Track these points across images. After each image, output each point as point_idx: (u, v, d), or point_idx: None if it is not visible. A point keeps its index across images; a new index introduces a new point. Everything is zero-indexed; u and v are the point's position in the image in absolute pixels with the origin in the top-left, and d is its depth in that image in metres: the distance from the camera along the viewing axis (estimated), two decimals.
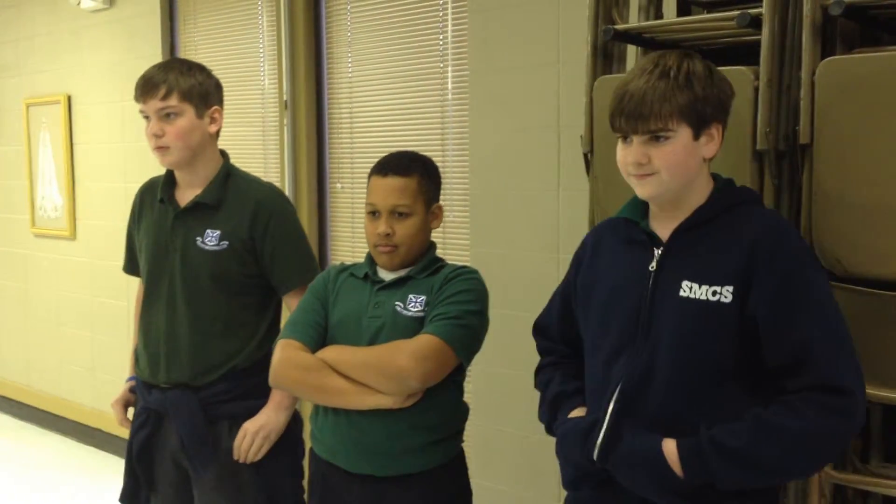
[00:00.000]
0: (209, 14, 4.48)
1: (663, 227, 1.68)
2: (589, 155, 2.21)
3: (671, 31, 2.16)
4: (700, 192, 1.66)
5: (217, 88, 2.46)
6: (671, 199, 1.65)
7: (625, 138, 1.64)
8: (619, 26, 2.18)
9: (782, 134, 1.85)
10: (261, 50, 4.23)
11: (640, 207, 1.74)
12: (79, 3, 4.88)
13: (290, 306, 2.40)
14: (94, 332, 5.15)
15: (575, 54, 2.90)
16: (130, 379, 2.62)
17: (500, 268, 3.16)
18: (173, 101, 2.34)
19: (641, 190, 1.65)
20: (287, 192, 4.01)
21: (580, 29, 2.29)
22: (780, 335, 1.53)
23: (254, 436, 2.36)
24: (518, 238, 3.20)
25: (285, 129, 4.02)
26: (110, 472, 4.75)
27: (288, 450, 2.43)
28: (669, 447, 1.55)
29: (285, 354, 2.07)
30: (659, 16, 2.32)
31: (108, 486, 4.54)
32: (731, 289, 1.56)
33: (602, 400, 1.67)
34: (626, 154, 1.64)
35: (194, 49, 4.56)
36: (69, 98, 5.14)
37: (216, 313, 2.38)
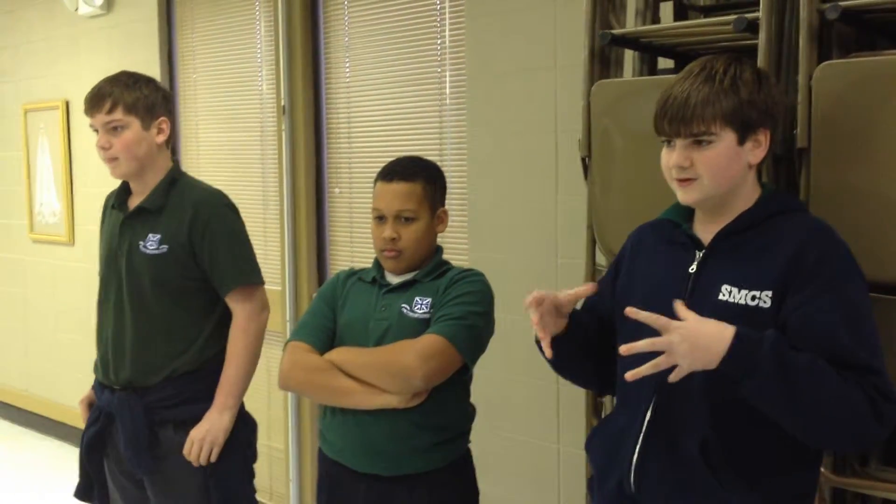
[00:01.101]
0: (207, 19, 4.48)
1: (706, 231, 1.67)
2: (587, 159, 2.21)
3: (668, 36, 2.17)
4: (746, 198, 1.65)
5: (164, 100, 2.52)
6: (715, 205, 1.64)
7: (668, 143, 1.63)
8: (617, 31, 2.19)
9: (780, 138, 1.85)
10: (258, 55, 4.23)
11: (685, 210, 1.72)
12: (76, 9, 4.88)
13: (233, 308, 2.45)
14: (92, 337, 5.11)
15: (572, 58, 2.90)
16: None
17: (498, 272, 3.15)
18: (118, 115, 2.42)
19: (683, 195, 1.64)
20: (285, 197, 4.01)
21: (577, 33, 2.30)
22: (817, 341, 1.51)
23: (201, 442, 2.40)
24: (516, 242, 3.20)
25: (283, 134, 4.02)
26: None
27: (236, 450, 2.47)
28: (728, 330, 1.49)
29: (293, 356, 2.11)
30: (656, 20, 2.32)
31: None
32: (769, 294, 1.55)
33: (636, 406, 1.65)
34: (668, 158, 1.63)
35: (192, 55, 4.56)
36: (67, 103, 5.14)
37: (158, 316, 2.43)
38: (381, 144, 3.76)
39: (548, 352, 1.67)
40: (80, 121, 5.06)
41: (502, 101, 3.21)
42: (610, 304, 1.80)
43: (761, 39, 1.86)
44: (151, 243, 2.42)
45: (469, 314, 2.05)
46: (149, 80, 2.52)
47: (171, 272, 2.42)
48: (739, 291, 1.57)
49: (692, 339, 1.47)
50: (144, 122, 2.44)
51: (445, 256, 2.22)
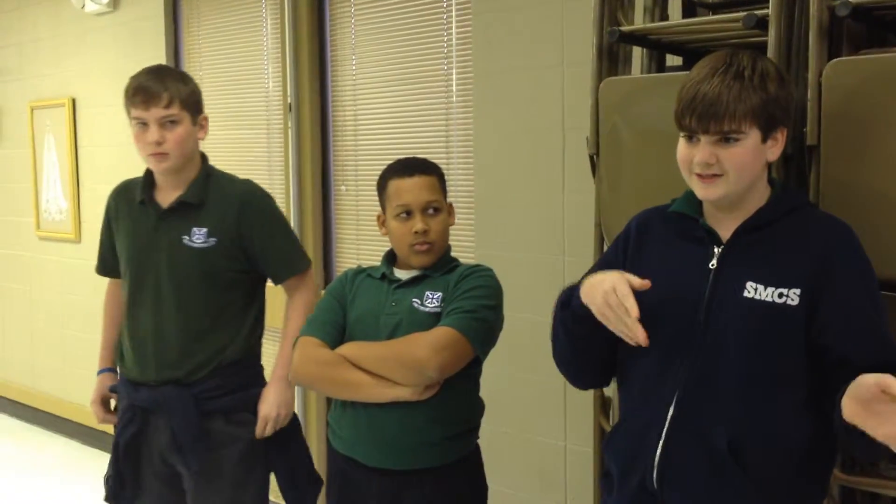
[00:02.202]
0: (213, 17, 4.48)
1: (721, 226, 1.66)
2: (595, 157, 2.21)
3: (677, 33, 2.16)
4: (759, 194, 1.65)
5: (200, 97, 2.54)
6: (732, 201, 1.63)
7: (689, 137, 1.61)
8: (625, 28, 2.18)
9: (789, 136, 1.84)
10: (265, 53, 4.22)
11: (696, 202, 1.70)
12: (83, 7, 4.88)
13: (289, 292, 2.54)
14: (98, 334, 5.12)
15: (579, 56, 2.90)
16: (103, 371, 2.66)
17: (504, 270, 3.14)
18: (175, 110, 2.40)
19: (705, 192, 1.61)
20: (291, 195, 4.02)
21: (584, 30, 2.29)
22: (858, 338, 1.51)
23: (269, 417, 2.43)
24: (523, 240, 3.19)
25: (290, 131, 4.02)
26: None
27: (289, 437, 2.51)
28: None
29: (304, 351, 2.11)
30: (664, 17, 2.31)
31: None
32: (798, 291, 1.54)
33: (658, 403, 1.64)
34: (690, 153, 1.60)
35: (198, 52, 4.56)
36: (73, 101, 5.15)
37: (205, 310, 2.43)
38: (388, 142, 3.76)
39: (642, 336, 1.55)
40: (87, 118, 5.07)
41: (509, 99, 3.20)
42: None
43: (771, 36, 1.85)
44: (198, 237, 2.41)
45: (480, 307, 2.05)
46: (190, 76, 2.54)
47: (221, 264, 2.43)
48: (766, 289, 1.56)
49: None
50: (193, 118, 2.45)
51: (452, 254, 2.23)
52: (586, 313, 1.62)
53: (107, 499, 2.57)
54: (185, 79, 2.48)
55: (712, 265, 1.63)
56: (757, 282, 1.57)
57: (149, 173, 2.52)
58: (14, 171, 5.70)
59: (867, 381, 1.36)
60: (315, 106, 4.02)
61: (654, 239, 1.74)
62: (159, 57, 4.57)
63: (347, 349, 2.09)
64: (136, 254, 2.49)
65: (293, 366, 2.14)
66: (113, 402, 2.65)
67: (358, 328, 2.13)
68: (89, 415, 4.60)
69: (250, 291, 2.51)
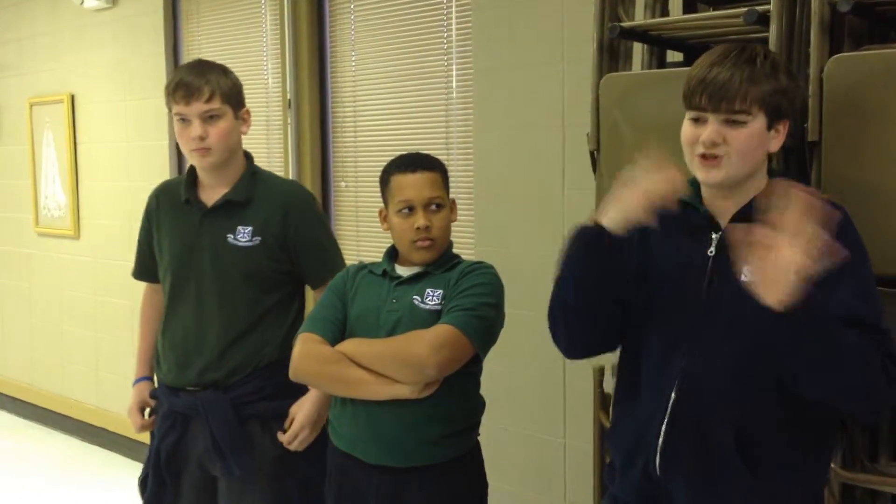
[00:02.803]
0: (212, 12, 4.47)
1: (720, 213, 1.66)
2: (595, 153, 2.20)
3: (678, 29, 2.16)
4: (758, 183, 1.65)
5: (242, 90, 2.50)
6: (731, 188, 1.64)
7: (695, 119, 1.62)
8: (626, 23, 2.18)
9: (790, 131, 1.84)
10: (264, 48, 4.22)
11: (695, 189, 1.71)
12: (81, 3, 4.87)
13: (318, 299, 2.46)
14: (97, 331, 5.15)
15: (579, 52, 2.89)
16: (141, 380, 2.61)
17: (504, 266, 3.13)
18: (216, 104, 2.36)
19: (706, 174, 1.62)
20: None
21: (585, 26, 2.29)
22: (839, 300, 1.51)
23: (308, 431, 2.35)
24: (522, 237, 3.19)
25: (289, 127, 4.02)
26: (115, 471, 4.76)
27: (319, 447, 2.41)
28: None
29: (305, 348, 2.11)
30: (665, 13, 2.31)
31: (112, 486, 4.54)
32: None
33: (661, 390, 1.64)
34: (696, 133, 1.61)
35: (197, 48, 4.55)
36: (72, 97, 5.14)
37: (246, 309, 2.40)
38: (388, 138, 3.75)
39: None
40: (86, 114, 5.06)
41: (509, 95, 3.20)
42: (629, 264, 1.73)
43: (772, 32, 1.85)
44: (243, 235, 2.38)
45: (480, 305, 2.04)
46: (230, 70, 2.47)
47: (264, 264, 2.39)
48: None
49: None
50: (236, 112, 2.41)
51: (453, 250, 2.22)
52: (598, 234, 1.61)
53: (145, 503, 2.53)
54: (227, 72, 2.43)
55: (710, 252, 1.64)
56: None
57: (192, 171, 2.48)
58: (13, 167, 5.69)
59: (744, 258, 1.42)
60: (315, 102, 4.02)
61: (657, 226, 1.74)
62: (158, 53, 4.57)
63: (347, 346, 2.08)
64: (179, 253, 2.45)
65: (293, 362, 2.13)
66: (147, 410, 2.60)
67: (358, 325, 2.12)
68: (89, 411, 4.58)
69: (291, 292, 2.47)
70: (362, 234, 3.90)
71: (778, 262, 1.38)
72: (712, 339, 1.61)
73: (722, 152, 1.59)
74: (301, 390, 2.38)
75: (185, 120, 2.36)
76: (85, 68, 5.05)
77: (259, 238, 2.39)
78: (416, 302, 2.08)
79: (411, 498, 2.07)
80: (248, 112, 2.47)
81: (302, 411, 2.36)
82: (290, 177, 4.00)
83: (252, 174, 2.46)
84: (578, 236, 1.68)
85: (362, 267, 2.23)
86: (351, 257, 3.88)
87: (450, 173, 2.24)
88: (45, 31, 5.33)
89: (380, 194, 2.21)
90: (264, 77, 4.22)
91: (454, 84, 3.49)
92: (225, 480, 2.41)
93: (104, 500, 4.38)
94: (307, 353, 2.10)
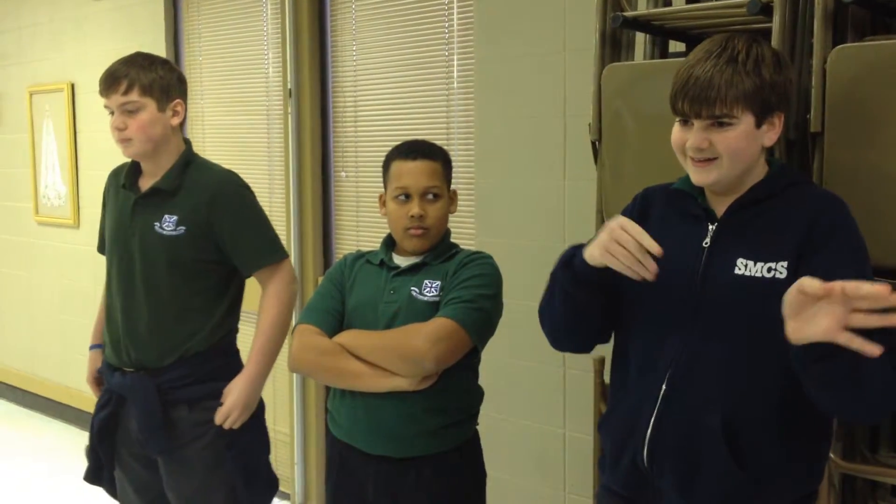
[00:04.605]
0: (213, 2, 4.46)
1: (719, 204, 1.66)
2: (597, 143, 2.20)
3: (680, 19, 2.15)
4: (757, 177, 1.64)
5: (180, 82, 2.52)
6: (729, 185, 1.63)
7: (684, 121, 1.61)
8: (628, 13, 2.17)
9: (793, 122, 1.84)
10: (265, 38, 4.20)
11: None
12: None
13: (262, 284, 2.49)
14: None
15: (581, 42, 2.88)
16: (94, 347, 2.69)
17: (505, 257, 3.14)
18: (134, 96, 2.41)
19: (698, 177, 1.61)
20: (291, 181, 4.00)
21: (587, 16, 2.28)
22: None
23: (231, 410, 2.40)
24: (523, 227, 3.19)
25: (290, 117, 4.01)
26: None
27: (255, 423, 2.48)
28: None
29: (303, 339, 2.10)
30: (668, 3, 2.30)
31: None
32: (785, 264, 1.54)
33: (652, 381, 1.64)
34: (684, 137, 1.61)
35: (198, 37, 4.54)
36: (72, 86, 5.13)
37: (172, 298, 2.43)
38: (388, 128, 3.75)
39: (652, 269, 1.53)
40: (86, 103, 5.05)
41: (511, 85, 3.19)
42: None
43: (775, 23, 1.84)
44: (168, 224, 2.42)
45: (478, 297, 2.04)
46: (164, 62, 2.51)
47: (188, 253, 2.42)
48: (755, 264, 1.56)
49: None
50: (160, 104, 2.44)
51: (452, 241, 2.22)
52: (589, 272, 1.61)
53: (85, 478, 2.61)
54: (156, 65, 2.46)
55: (706, 243, 1.63)
56: (747, 258, 1.57)
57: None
58: (13, 156, 5.69)
59: (791, 293, 1.36)
60: (315, 92, 4.00)
61: (656, 215, 1.75)
62: (158, 41, 4.56)
63: (345, 338, 2.08)
64: (113, 236, 2.52)
65: (292, 354, 2.13)
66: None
67: (356, 316, 2.12)
68: (88, 400, 4.59)
69: (221, 283, 2.49)
70: (362, 225, 3.90)
71: (816, 318, 1.34)
72: (704, 331, 1.60)
73: (711, 155, 1.58)
74: (235, 374, 2.45)
75: (111, 111, 2.45)
76: (85, 57, 5.04)
77: (184, 227, 2.41)
78: (415, 293, 2.08)
79: (410, 487, 2.07)
80: (180, 104, 2.49)
81: (232, 394, 2.42)
82: (291, 167, 3.99)
83: (186, 164, 2.49)
84: (560, 273, 1.68)
85: (360, 256, 2.23)
86: (350, 248, 3.88)
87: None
88: (46, 19, 5.32)
89: (380, 185, 2.21)
90: (265, 67, 4.21)
91: (455, 74, 3.48)
92: (160, 460, 2.47)
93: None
94: (305, 344, 2.10)
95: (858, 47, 1.77)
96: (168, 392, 2.43)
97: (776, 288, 1.49)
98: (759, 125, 1.58)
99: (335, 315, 2.13)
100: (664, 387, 1.63)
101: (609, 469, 1.75)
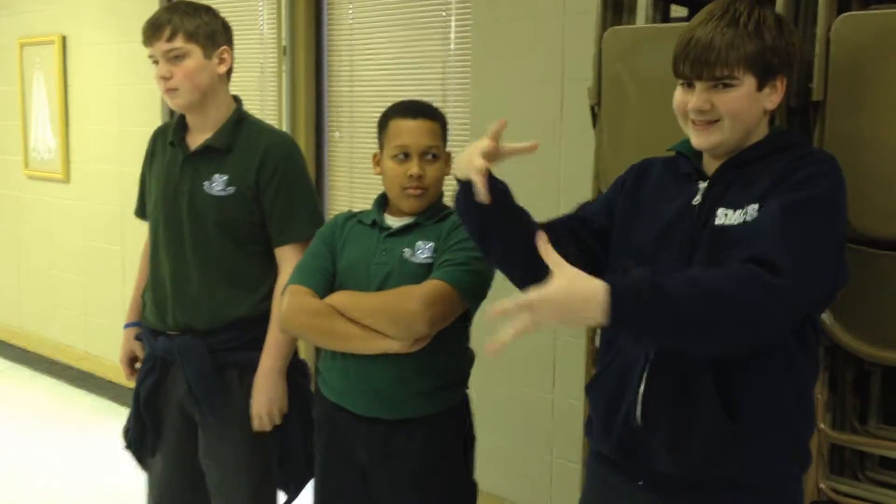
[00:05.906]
0: None
1: (713, 167, 1.64)
2: (596, 107, 2.18)
3: None
4: (756, 139, 1.62)
5: (225, 29, 2.42)
6: (729, 150, 1.61)
7: (686, 84, 1.60)
8: None
9: (794, 90, 1.82)
10: None
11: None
12: None
13: (280, 264, 2.37)
14: (86, 275, 5.12)
15: (581, 4, 2.85)
16: (129, 326, 2.60)
17: None
18: (179, 43, 2.30)
19: (700, 139, 1.60)
20: None
21: None
22: (751, 235, 1.47)
23: (263, 415, 2.35)
24: (518, 191, 3.14)
25: (284, 75, 3.97)
26: (101, 415, 4.77)
27: (297, 399, 2.42)
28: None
29: (294, 300, 2.08)
30: None
31: (98, 430, 4.56)
32: (756, 206, 1.52)
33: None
34: (686, 99, 1.59)
35: None
36: (64, 38, 5.06)
37: (222, 259, 2.36)
38: (383, 89, 3.71)
39: (484, 194, 1.72)
40: (77, 56, 4.99)
41: (508, 48, 3.16)
42: (603, 213, 1.77)
43: None
44: (217, 184, 2.33)
45: (472, 260, 2.03)
46: (208, 9, 2.40)
47: (237, 215, 2.34)
48: (734, 212, 1.55)
49: (556, 302, 1.49)
50: (206, 51, 2.34)
51: (445, 203, 2.20)
52: (466, 188, 1.76)
53: (128, 447, 2.53)
54: (200, 12, 2.36)
55: (696, 202, 1.62)
56: (727, 207, 1.56)
57: (183, 114, 2.44)
58: (2, 109, 5.62)
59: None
60: (310, 50, 3.96)
61: (651, 182, 1.74)
62: None
63: (337, 299, 2.06)
64: (161, 196, 2.41)
65: (283, 314, 2.11)
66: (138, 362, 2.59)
67: (348, 277, 2.10)
68: (77, 355, 4.57)
69: (271, 250, 2.40)
70: (356, 185, 3.88)
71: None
72: None
73: (713, 117, 1.57)
74: None
75: (155, 60, 2.34)
76: (77, 9, 4.97)
77: (234, 188, 2.33)
78: (407, 255, 2.06)
79: (400, 448, 2.07)
80: (226, 51, 2.40)
81: (255, 397, 2.36)
82: (284, 126, 3.96)
83: (238, 121, 2.41)
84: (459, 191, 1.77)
85: (351, 216, 2.20)
86: (343, 208, 3.86)
87: None
88: None
89: (374, 146, 2.18)
90: (259, 23, 4.16)
91: (453, 35, 3.44)
92: (203, 425, 2.40)
93: (90, 445, 4.39)
94: (297, 305, 2.08)
95: (863, 16, 1.75)
96: (218, 354, 2.36)
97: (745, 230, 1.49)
98: (760, 88, 1.57)
99: (327, 275, 2.11)
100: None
101: (600, 433, 1.75)
